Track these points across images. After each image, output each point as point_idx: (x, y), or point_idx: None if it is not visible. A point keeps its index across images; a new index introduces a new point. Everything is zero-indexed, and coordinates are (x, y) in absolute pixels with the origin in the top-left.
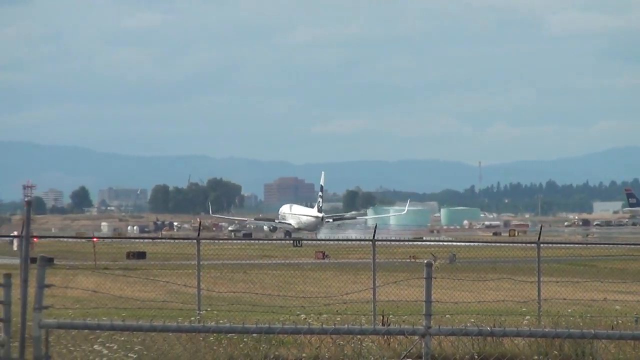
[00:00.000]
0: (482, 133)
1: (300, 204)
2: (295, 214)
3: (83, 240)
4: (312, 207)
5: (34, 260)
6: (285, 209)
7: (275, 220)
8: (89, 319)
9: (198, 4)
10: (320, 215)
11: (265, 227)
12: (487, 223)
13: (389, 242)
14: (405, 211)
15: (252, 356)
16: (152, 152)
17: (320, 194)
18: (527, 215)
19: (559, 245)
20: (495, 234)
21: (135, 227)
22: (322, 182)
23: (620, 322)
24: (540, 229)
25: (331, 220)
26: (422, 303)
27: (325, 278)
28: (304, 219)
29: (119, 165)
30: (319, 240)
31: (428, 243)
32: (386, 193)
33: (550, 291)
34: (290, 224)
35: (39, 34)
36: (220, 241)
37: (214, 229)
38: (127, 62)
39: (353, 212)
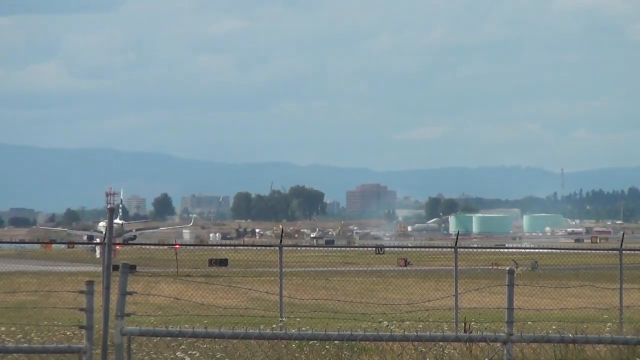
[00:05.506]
0: (564, 139)
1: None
2: (105, 223)
3: (165, 247)
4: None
5: (116, 267)
6: (101, 222)
7: (92, 230)
8: (171, 326)
9: (281, 10)
10: (120, 222)
11: (84, 237)
12: (569, 230)
13: (471, 249)
14: None
15: None
16: (234, 159)
17: (120, 205)
18: (609, 222)
19: None
20: (577, 240)
21: (217, 235)
22: (121, 197)
23: None
24: (623, 235)
25: (133, 230)
26: (504, 310)
27: (407, 285)
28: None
29: (200, 173)
30: (401, 247)
31: (510, 250)
32: (468, 200)
33: (632, 298)
34: (101, 232)
35: (121, 42)
36: (303, 248)
37: (296, 235)
38: (209, 69)
39: (435, 219)
